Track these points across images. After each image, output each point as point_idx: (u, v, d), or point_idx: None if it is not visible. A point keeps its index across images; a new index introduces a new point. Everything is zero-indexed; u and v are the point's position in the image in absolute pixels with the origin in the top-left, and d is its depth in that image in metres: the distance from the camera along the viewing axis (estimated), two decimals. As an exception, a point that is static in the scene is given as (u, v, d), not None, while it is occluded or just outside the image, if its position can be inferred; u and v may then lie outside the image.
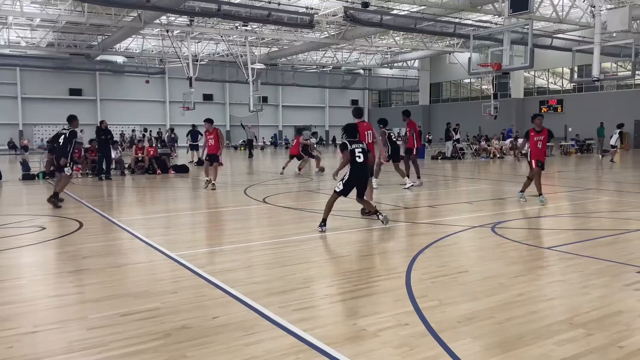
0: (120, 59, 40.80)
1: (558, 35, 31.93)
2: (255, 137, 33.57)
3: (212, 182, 12.46)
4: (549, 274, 5.09)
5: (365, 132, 8.93)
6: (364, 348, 3.32)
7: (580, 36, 31.52)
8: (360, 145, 7.35)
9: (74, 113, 10.67)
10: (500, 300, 4.21)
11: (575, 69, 26.25)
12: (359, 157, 7.19)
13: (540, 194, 9.60)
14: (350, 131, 7.41)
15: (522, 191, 10.01)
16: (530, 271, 5.16)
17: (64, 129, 10.18)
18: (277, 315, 3.88)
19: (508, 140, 28.41)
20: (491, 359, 3.16)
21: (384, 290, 4.52)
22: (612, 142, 23.01)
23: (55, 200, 9.76)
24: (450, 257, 5.92)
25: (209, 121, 13.17)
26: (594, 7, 18.46)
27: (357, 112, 9.26)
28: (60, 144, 9.99)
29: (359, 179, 7.24)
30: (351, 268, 5.27)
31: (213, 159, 12.70)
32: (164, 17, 28.86)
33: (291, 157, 17.03)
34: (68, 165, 9.92)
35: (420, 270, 5.16)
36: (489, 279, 4.84)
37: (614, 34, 21.75)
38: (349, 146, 7.22)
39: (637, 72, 29.18)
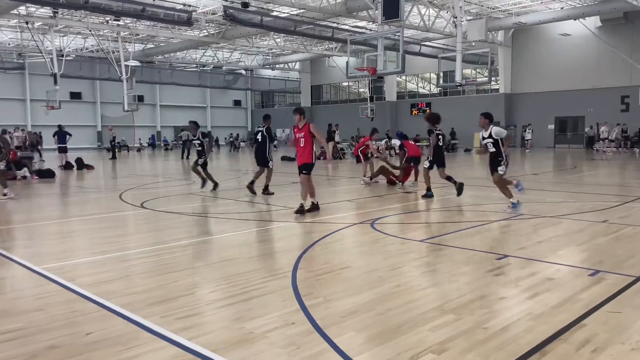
0: (-31, 52, 36.24)
1: (425, 43, 34.47)
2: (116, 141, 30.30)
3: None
4: (423, 265, 5.46)
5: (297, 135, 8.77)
6: (251, 351, 3.29)
7: (444, 44, 34.31)
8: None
9: None
10: (380, 293, 4.43)
11: (441, 74, 28.45)
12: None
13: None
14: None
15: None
16: (406, 263, 5.49)
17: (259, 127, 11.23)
18: (158, 326, 3.70)
19: (383, 141, 30.03)
20: (373, 349, 3.30)
21: (270, 291, 4.53)
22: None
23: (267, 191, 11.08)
24: (334, 253, 6.10)
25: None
26: (455, 18, 20.15)
27: (295, 110, 8.86)
28: (259, 141, 11.11)
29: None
30: (236, 271, 5.20)
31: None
32: (22, 8, 26.13)
33: None
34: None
35: (306, 268, 5.25)
36: (370, 273, 5.07)
37: (473, 43, 23.99)
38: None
39: (492, 79, 32.58)
